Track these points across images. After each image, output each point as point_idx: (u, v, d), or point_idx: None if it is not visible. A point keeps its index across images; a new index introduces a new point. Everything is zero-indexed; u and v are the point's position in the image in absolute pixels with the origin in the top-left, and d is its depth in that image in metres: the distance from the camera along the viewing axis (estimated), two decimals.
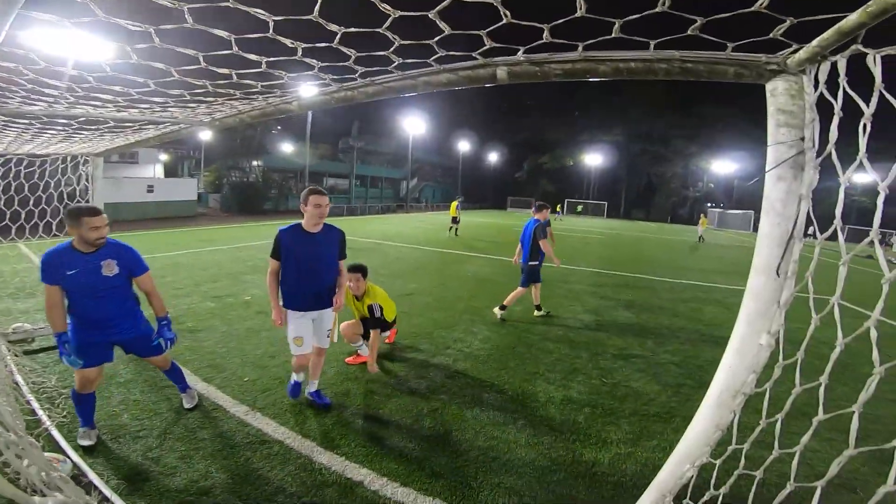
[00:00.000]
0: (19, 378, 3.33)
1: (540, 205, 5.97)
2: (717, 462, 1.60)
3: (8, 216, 4.45)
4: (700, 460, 1.61)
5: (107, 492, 2.27)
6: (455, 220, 17.54)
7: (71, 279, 2.59)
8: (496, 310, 5.89)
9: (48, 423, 2.82)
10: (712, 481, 1.63)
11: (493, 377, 4.03)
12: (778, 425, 1.38)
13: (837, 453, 1.14)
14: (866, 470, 2.80)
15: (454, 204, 18.12)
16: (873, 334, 1.09)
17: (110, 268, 2.72)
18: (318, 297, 3.12)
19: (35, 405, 3.02)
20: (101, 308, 2.71)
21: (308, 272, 3.04)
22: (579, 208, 42.00)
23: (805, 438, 1.26)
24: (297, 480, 2.51)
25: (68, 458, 2.54)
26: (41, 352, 4.11)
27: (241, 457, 2.70)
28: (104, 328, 2.74)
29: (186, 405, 3.21)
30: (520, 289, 5.90)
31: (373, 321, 4.06)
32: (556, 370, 4.26)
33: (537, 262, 5.85)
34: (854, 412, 1.13)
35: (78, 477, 2.38)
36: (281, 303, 3.11)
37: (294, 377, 3.34)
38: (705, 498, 1.63)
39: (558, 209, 39.62)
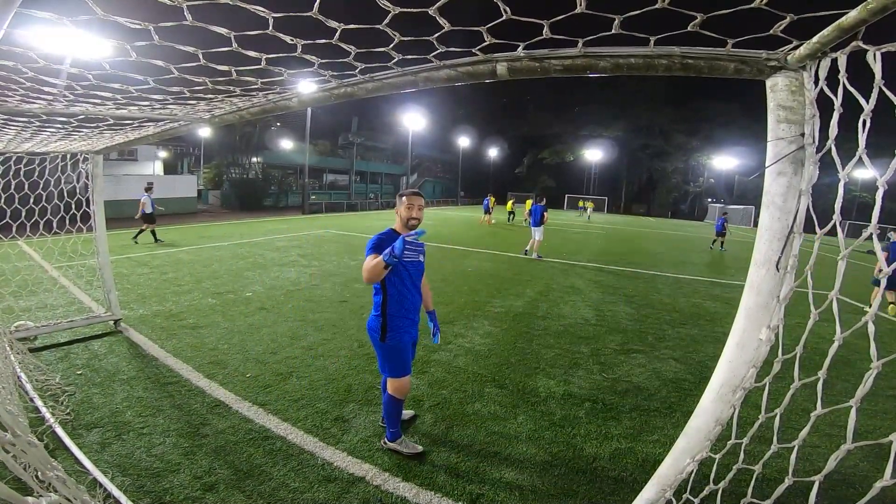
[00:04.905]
0: (23, 375, 3.35)
1: None
2: (717, 457, 1.61)
3: (8, 214, 4.46)
4: (700, 455, 1.62)
5: (112, 489, 2.29)
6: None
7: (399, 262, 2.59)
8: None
9: (52, 420, 2.84)
10: (712, 476, 1.64)
11: (493, 372, 4.05)
12: (777, 420, 1.39)
13: (836, 448, 1.15)
14: (865, 465, 2.82)
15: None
16: (871, 329, 1.10)
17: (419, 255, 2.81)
18: None
19: (39, 403, 3.04)
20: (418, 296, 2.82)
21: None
22: (586, 204, 36.85)
23: (803, 433, 1.27)
24: (299, 476, 2.54)
25: (72, 454, 2.56)
26: (44, 350, 4.14)
27: (243, 453, 2.72)
28: (415, 320, 2.83)
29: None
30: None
31: None
32: (557, 365, 4.28)
33: None
34: (852, 407, 1.13)
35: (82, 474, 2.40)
36: None
37: None
38: (705, 492, 1.64)
39: (581, 205, 37.32)
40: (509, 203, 24.57)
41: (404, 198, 2.72)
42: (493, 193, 24.57)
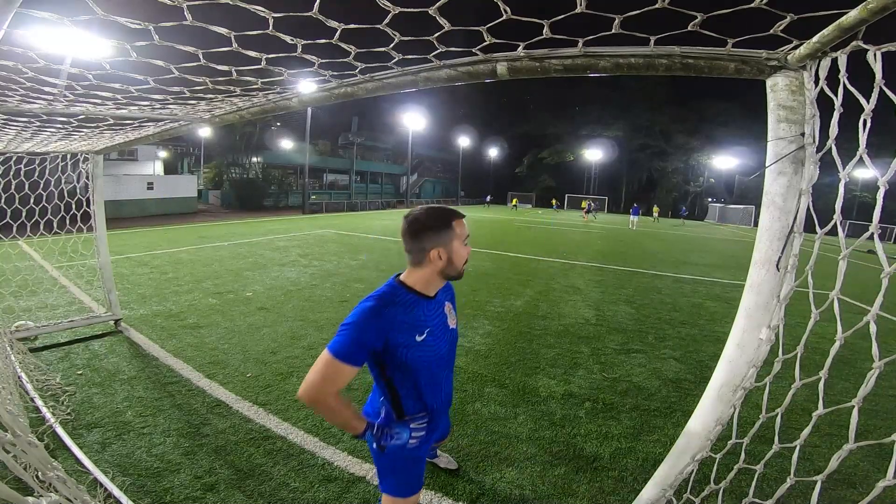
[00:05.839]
0: (23, 375, 3.35)
1: None
2: (718, 456, 1.61)
3: (9, 214, 4.46)
4: (700, 455, 1.62)
5: (112, 489, 2.29)
6: None
7: (420, 347, 1.48)
8: None
9: (52, 420, 2.84)
10: (712, 476, 1.64)
11: (494, 372, 4.05)
12: (778, 420, 1.39)
13: (837, 448, 1.15)
14: (866, 465, 2.82)
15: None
16: (873, 328, 1.10)
17: (451, 315, 1.67)
18: None
19: (39, 403, 3.04)
20: (448, 381, 1.68)
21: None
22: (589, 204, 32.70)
23: (805, 433, 1.27)
24: (300, 476, 2.53)
25: (72, 454, 2.56)
26: (44, 349, 4.14)
27: (244, 453, 2.72)
28: (443, 415, 1.73)
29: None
30: None
31: None
32: (558, 365, 4.28)
33: None
34: (854, 406, 1.13)
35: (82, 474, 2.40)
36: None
37: None
38: (706, 492, 1.64)
39: (583, 205, 33.14)
40: (514, 201, 27.58)
41: (454, 223, 1.55)
42: (492, 194, 28.01)
